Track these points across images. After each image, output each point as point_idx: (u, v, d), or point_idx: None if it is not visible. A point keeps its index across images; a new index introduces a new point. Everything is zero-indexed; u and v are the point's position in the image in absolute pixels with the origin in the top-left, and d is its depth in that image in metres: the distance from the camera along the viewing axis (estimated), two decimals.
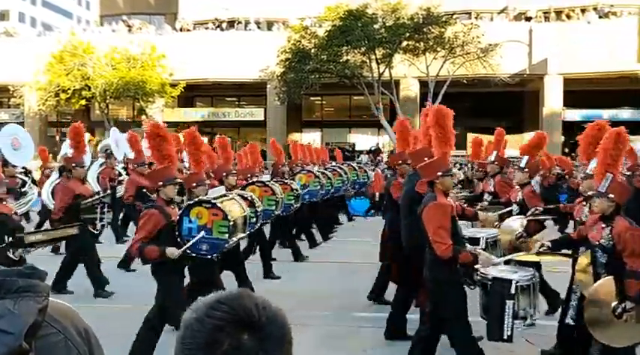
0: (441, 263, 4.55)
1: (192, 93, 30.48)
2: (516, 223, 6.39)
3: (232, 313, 0.98)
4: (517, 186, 7.09)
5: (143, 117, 28.09)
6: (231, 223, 5.34)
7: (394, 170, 7.46)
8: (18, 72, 26.22)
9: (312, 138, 28.22)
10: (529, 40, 25.84)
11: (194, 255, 5.23)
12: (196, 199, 5.56)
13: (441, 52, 23.71)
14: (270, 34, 27.87)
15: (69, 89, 25.32)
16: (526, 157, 7.26)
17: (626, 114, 26.21)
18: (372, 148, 27.14)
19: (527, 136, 27.68)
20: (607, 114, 26.58)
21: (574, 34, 25.09)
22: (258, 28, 29.10)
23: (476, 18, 27.32)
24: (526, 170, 6.97)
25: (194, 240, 5.17)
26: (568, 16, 26.85)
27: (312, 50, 24.09)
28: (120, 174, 11.37)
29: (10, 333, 0.95)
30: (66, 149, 11.85)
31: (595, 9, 26.75)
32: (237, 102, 32.50)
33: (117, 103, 28.52)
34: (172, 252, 4.95)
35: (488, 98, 27.21)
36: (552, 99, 26.15)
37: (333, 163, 15.55)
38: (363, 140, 30.31)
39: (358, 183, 14.35)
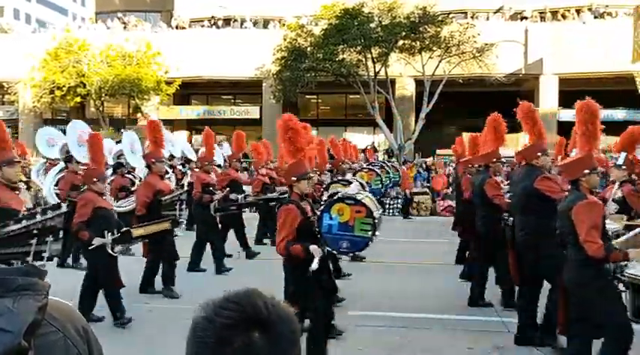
0: (588, 264, 4.34)
1: (188, 91, 30.43)
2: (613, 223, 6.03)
3: (241, 311, 0.98)
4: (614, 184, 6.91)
5: (138, 114, 28.06)
6: (376, 220, 5.19)
7: (487, 167, 7.16)
8: (13, 69, 26.11)
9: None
10: (525, 39, 25.92)
11: (335, 252, 5.09)
12: (339, 195, 5.40)
13: (436, 52, 23.74)
14: (266, 32, 27.84)
15: (64, 86, 25.23)
16: (624, 154, 7.01)
17: (621, 114, 26.31)
18: (368, 147, 27.15)
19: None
20: (602, 114, 26.53)
21: (569, 34, 25.18)
22: (254, 26, 29.06)
23: (472, 17, 27.38)
24: (624, 167, 6.78)
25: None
26: (563, 16, 26.95)
27: (308, 48, 24.07)
28: (167, 172, 11.29)
29: (9, 332, 0.94)
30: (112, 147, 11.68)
31: (590, 9, 26.86)
32: (232, 101, 32.48)
33: (112, 101, 28.45)
34: (315, 248, 4.73)
35: (483, 98, 27.24)
36: (548, 99, 26.23)
37: (372, 161, 15.52)
38: (358, 139, 30.26)
39: (393, 182, 14.32)
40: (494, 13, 28.36)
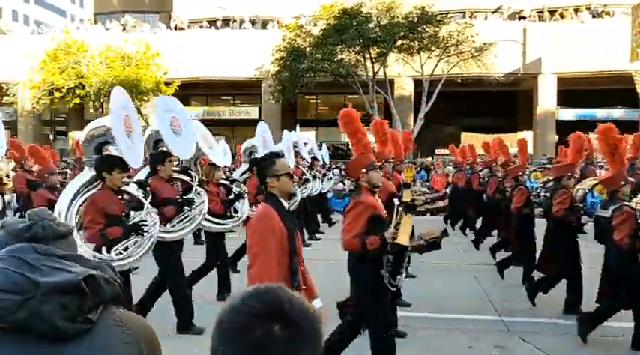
0: None
1: (187, 92, 30.42)
2: None
3: (265, 303, 1.06)
4: None
5: (138, 116, 28.01)
6: None
7: None
8: (11, 70, 26.10)
9: (306, 137, 28.16)
10: (523, 39, 25.94)
11: None
12: None
13: (435, 51, 23.78)
14: (265, 32, 27.85)
15: (63, 88, 25.22)
16: None
17: (618, 113, 26.36)
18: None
19: (521, 135, 27.84)
20: (600, 113, 26.80)
21: (568, 34, 25.22)
22: (253, 26, 29.07)
23: (470, 17, 27.40)
24: None
25: None
26: (562, 16, 26.99)
27: (307, 49, 24.10)
28: (303, 174, 10.82)
29: (73, 273, 1.27)
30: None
31: (588, 9, 26.90)
32: (231, 101, 32.48)
33: None
34: None
35: (482, 97, 27.31)
36: (546, 99, 26.26)
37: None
38: None
39: None
40: (493, 12, 28.39)
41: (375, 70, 24.23)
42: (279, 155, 3.65)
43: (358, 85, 24.31)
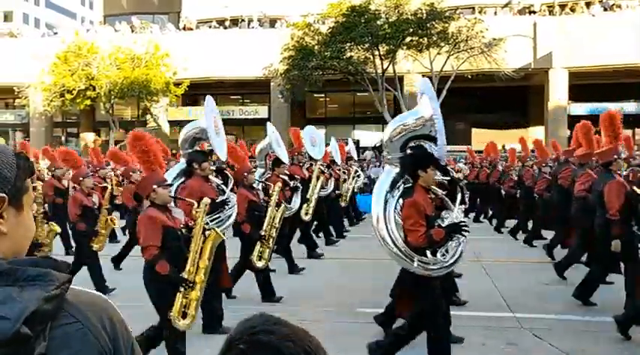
0: None
1: (196, 92, 30.52)
2: None
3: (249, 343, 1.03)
4: None
5: (148, 116, 28.18)
6: None
7: None
8: (22, 73, 26.30)
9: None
10: (533, 34, 25.74)
11: None
12: None
13: (444, 48, 23.62)
14: (274, 31, 27.84)
15: (74, 89, 25.41)
16: None
17: (631, 107, 26.09)
18: (377, 145, 27.10)
19: (533, 131, 27.65)
20: (612, 107, 26.47)
21: (578, 28, 24.98)
22: (261, 25, 29.08)
23: (479, 12, 27.23)
24: None
25: None
26: (572, 10, 26.74)
27: (316, 47, 24.05)
28: (356, 171, 10.85)
29: (6, 319, 0.96)
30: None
31: (600, 2, 26.63)
32: (241, 101, 32.52)
33: (121, 103, 28.60)
34: None
35: (493, 93, 27.13)
36: (557, 93, 26.03)
37: None
38: (367, 136, 30.28)
39: None
40: (503, 7, 28.19)
41: (384, 67, 24.14)
42: None
43: (367, 82, 24.23)
